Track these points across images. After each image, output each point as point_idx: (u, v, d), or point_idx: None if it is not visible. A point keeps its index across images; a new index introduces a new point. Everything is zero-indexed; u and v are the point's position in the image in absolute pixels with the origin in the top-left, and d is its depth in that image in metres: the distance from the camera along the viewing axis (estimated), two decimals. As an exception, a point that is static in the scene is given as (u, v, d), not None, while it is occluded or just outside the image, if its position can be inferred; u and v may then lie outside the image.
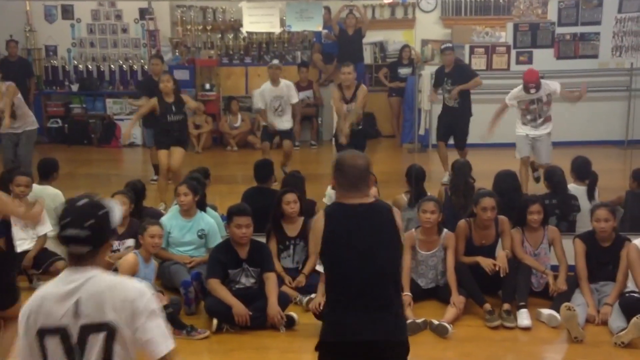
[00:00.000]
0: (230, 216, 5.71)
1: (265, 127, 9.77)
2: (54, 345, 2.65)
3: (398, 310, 3.59)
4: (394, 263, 3.63)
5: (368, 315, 3.47)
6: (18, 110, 8.61)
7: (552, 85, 8.31)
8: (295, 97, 9.57)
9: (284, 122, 9.49)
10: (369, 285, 3.48)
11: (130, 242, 6.19)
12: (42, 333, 2.65)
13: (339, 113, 8.72)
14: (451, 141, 9.39)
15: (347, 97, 8.63)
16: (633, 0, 11.56)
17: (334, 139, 9.14)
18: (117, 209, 2.78)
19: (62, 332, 2.64)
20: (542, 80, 8.27)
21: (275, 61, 9.91)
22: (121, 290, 2.67)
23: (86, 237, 2.65)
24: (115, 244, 6.14)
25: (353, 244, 3.48)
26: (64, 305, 2.64)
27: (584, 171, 7.00)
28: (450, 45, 9.56)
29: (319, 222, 3.57)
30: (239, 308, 5.49)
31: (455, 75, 9.12)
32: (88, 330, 2.64)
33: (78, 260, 2.69)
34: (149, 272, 5.62)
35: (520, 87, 8.29)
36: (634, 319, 5.20)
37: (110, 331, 2.63)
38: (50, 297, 2.68)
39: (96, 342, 2.64)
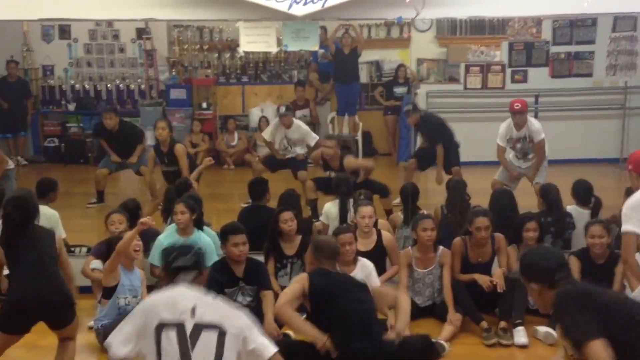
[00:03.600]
0: (225, 236, 5.67)
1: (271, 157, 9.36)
2: (169, 336, 3.37)
3: None
4: None
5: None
6: None
7: (535, 126, 7.96)
8: (311, 139, 9.10)
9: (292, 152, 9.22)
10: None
11: (96, 263, 6.12)
12: (161, 326, 3.38)
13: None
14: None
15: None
16: (627, 20, 11.64)
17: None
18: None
19: (178, 326, 3.38)
20: (530, 119, 8.03)
21: (282, 108, 9.22)
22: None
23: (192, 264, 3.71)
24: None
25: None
26: (183, 306, 3.42)
27: (586, 196, 7.02)
28: (409, 108, 9.66)
29: None
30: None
31: (423, 127, 9.30)
32: (200, 327, 3.39)
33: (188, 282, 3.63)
34: (134, 278, 5.64)
35: (506, 123, 8.06)
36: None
37: (220, 332, 3.40)
38: (171, 299, 3.48)
39: (207, 338, 3.38)
